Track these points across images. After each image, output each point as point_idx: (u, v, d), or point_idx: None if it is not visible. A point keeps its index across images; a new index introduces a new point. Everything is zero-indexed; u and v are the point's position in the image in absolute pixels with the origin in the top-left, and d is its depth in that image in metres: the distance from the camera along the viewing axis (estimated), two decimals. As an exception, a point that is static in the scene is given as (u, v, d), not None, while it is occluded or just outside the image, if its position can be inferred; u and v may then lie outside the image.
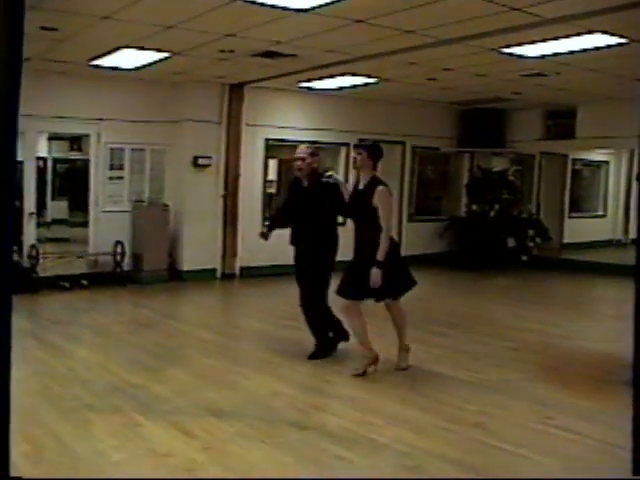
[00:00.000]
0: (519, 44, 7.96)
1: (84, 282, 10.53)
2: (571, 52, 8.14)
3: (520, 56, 8.52)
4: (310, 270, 6.62)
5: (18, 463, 4.10)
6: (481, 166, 14.50)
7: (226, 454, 4.37)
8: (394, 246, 6.16)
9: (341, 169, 13.22)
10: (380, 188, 5.87)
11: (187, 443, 4.50)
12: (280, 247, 12.10)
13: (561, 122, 13.71)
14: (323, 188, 6.44)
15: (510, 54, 8.43)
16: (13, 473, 3.97)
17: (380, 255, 5.76)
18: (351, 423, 4.95)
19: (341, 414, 5.17)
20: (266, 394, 5.57)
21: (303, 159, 6.52)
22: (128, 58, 9.09)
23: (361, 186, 6.05)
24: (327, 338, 6.72)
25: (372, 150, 6.03)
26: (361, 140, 7.38)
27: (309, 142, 12.54)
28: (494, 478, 4.02)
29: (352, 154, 6.30)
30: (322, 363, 6.58)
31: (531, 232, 14.01)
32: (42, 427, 4.77)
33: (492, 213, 13.97)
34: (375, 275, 5.75)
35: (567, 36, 7.48)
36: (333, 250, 6.62)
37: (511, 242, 14.08)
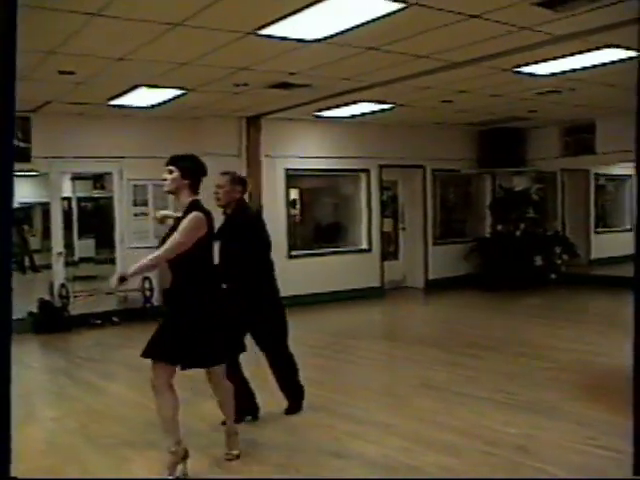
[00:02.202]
0: (532, 63, 7.97)
1: (115, 319, 10.60)
2: (584, 68, 8.15)
3: (534, 74, 8.54)
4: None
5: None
6: (503, 186, 14.45)
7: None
8: (223, 294, 4.84)
9: (363, 195, 13.23)
10: (193, 214, 4.42)
11: (223, 474, 4.49)
12: (308, 275, 12.30)
13: (580, 137, 13.65)
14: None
15: (524, 73, 8.45)
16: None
17: (132, 269, 4.34)
18: (389, 450, 4.91)
19: (378, 441, 5.12)
20: (302, 424, 5.53)
21: (220, 186, 5.55)
22: (145, 96, 9.21)
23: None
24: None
25: (187, 167, 4.59)
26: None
27: (326, 170, 12.78)
28: (491, 478, 3.95)
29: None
30: (355, 391, 6.55)
31: (558, 249, 13.90)
32: (82, 465, 4.80)
33: (518, 232, 13.89)
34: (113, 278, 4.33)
35: (579, 52, 7.49)
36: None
37: (538, 261, 13.96)
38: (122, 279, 4.29)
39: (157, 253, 4.35)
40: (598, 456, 4.68)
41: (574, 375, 6.93)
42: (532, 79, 8.81)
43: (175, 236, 4.36)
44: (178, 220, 4.52)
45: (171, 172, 4.54)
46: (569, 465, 4.53)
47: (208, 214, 4.50)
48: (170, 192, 4.61)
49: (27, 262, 15.97)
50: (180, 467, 4.47)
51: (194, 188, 4.56)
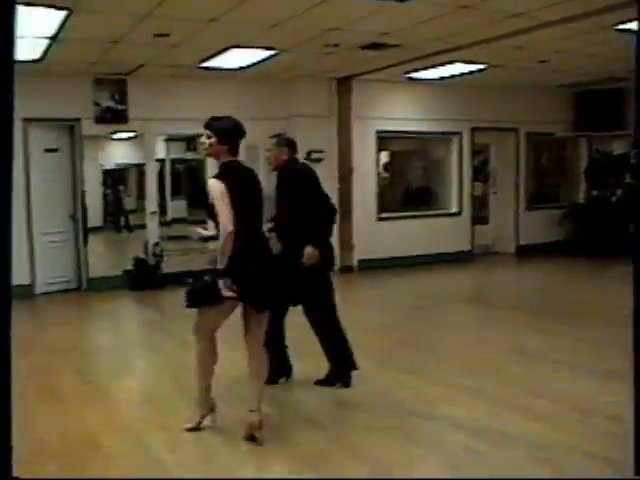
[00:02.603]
0: (631, 20, 7.60)
1: (207, 277, 10.76)
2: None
3: (634, 32, 8.15)
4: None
5: (158, 450, 4.27)
6: (600, 150, 13.98)
7: (356, 445, 4.39)
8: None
9: (454, 158, 13.05)
10: (208, 184, 4.44)
11: (317, 434, 4.56)
12: (397, 238, 12.26)
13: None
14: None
15: (624, 30, 8.07)
16: (155, 459, 4.16)
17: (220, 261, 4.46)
18: (479, 414, 4.87)
19: (469, 405, 5.09)
20: (392, 386, 5.55)
21: (269, 150, 5.67)
22: (236, 58, 9.27)
23: None
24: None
25: (223, 130, 4.53)
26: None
27: (417, 132, 12.64)
28: (488, 477, 3.86)
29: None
30: (445, 355, 6.53)
31: (656, 216, 13.38)
32: (176, 416, 4.92)
33: (614, 198, 13.45)
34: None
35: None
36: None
37: (633, 228, 13.48)
38: (204, 239, 4.55)
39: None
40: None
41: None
42: (633, 37, 8.43)
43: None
44: None
45: (209, 137, 4.50)
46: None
47: (231, 173, 4.44)
48: (209, 156, 4.64)
49: (122, 222, 16.48)
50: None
51: (232, 151, 4.53)
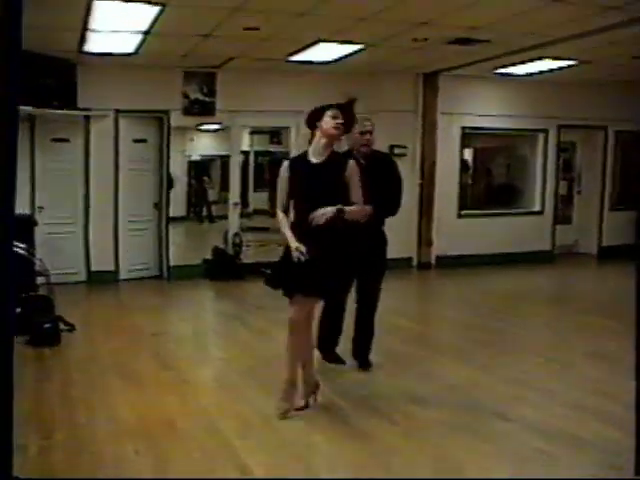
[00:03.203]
0: None
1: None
2: None
3: None
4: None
5: (228, 436, 4.39)
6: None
7: (426, 441, 4.40)
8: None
9: (539, 156, 12.83)
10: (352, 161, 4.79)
11: (388, 429, 4.59)
12: (477, 236, 12.15)
13: None
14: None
15: None
16: (226, 445, 4.27)
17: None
18: (552, 417, 4.83)
19: (542, 406, 5.04)
20: (465, 383, 5.54)
21: (371, 132, 5.68)
22: (324, 52, 9.32)
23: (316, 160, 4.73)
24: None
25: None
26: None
27: (503, 129, 12.46)
28: (486, 478, 3.76)
29: (338, 121, 4.68)
30: (521, 355, 6.46)
31: None
32: (249, 404, 5.05)
33: None
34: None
35: None
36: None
37: None
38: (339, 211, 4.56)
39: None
40: None
41: None
42: None
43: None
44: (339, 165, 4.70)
45: (338, 119, 4.70)
46: None
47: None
48: (339, 137, 4.82)
49: (205, 212, 16.84)
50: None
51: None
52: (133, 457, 4.10)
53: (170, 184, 13.56)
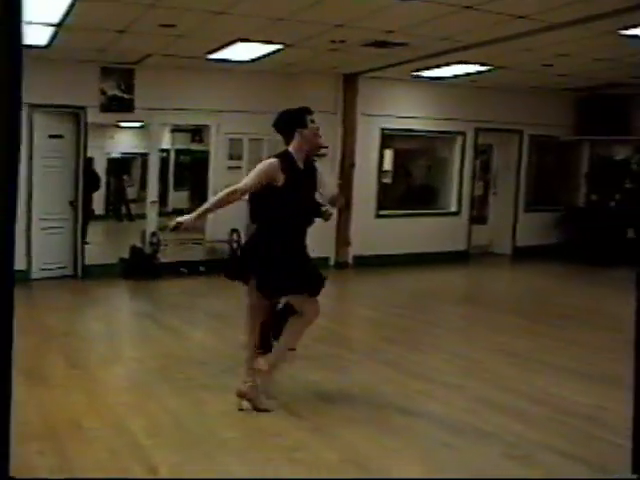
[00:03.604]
0: (637, 25, 7.62)
1: (202, 268, 10.88)
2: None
3: (640, 37, 8.18)
4: None
5: (138, 435, 4.35)
6: (601, 155, 14.00)
7: (334, 436, 4.45)
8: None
9: (456, 158, 13.10)
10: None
11: (296, 425, 4.62)
12: (394, 236, 12.31)
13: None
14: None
15: (630, 36, 8.09)
16: (134, 444, 4.24)
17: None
18: (458, 411, 4.95)
19: (449, 401, 5.15)
20: (375, 380, 5.62)
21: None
22: (243, 51, 9.29)
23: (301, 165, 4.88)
24: None
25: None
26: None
27: (422, 131, 12.66)
28: (488, 477, 3.90)
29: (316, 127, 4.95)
30: (430, 352, 6.59)
31: (654, 223, 13.40)
32: (158, 403, 5.02)
33: (612, 203, 13.49)
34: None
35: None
36: None
37: (631, 233, 13.51)
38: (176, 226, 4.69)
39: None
40: (672, 433, 4.57)
41: (658, 350, 6.75)
42: (638, 42, 8.44)
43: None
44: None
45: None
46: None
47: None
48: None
49: (124, 211, 16.59)
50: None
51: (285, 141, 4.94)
52: (37, 458, 4.02)
53: (96, 183, 13.36)
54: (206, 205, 4.74)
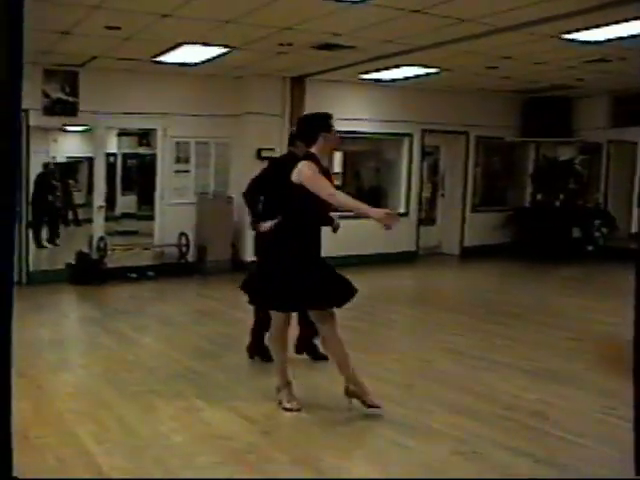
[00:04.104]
0: (580, 29, 7.81)
1: (150, 273, 10.79)
2: (634, 36, 7.94)
3: (582, 42, 8.36)
4: None
5: (85, 441, 4.30)
6: (546, 155, 14.28)
7: (285, 438, 4.47)
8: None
9: (404, 160, 13.21)
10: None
11: (247, 427, 4.63)
12: (343, 238, 12.15)
13: (630, 108, 13.34)
14: None
15: (571, 40, 8.28)
16: (82, 451, 4.18)
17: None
18: (409, 410, 4.99)
19: (400, 402, 5.19)
20: (325, 382, 5.63)
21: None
22: (190, 54, 9.26)
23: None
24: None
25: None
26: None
27: (369, 133, 12.73)
28: (492, 478, 3.97)
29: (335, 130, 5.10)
30: (381, 353, 6.64)
31: (597, 222, 13.72)
32: (107, 409, 4.96)
33: (557, 203, 13.77)
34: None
35: (630, 19, 7.31)
36: None
37: (576, 232, 13.83)
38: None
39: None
40: (615, 425, 4.69)
41: (599, 347, 6.92)
42: (580, 46, 8.62)
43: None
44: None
45: None
46: (584, 432, 4.56)
47: None
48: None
49: (71, 216, 16.33)
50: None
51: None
52: (-19, 468, 3.95)
53: (51, 189, 13.13)
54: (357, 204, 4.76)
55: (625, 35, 7.95)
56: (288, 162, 5.18)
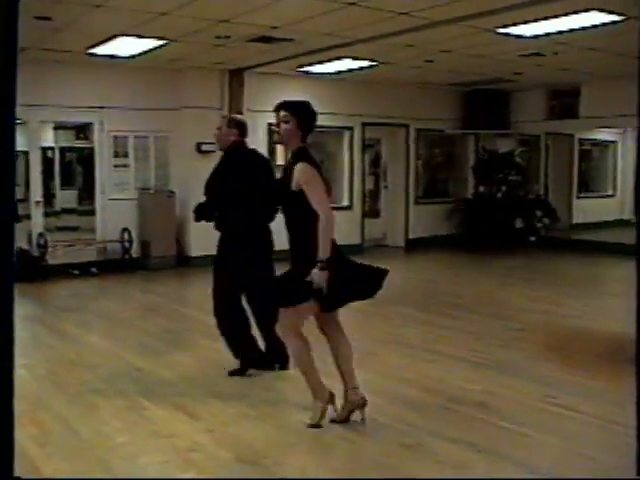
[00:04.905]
0: (515, 24, 7.95)
1: (93, 269, 10.63)
2: (568, 31, 8.13)
3: (516, 36, 8.53)
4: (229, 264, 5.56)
5: (25, 445, 4.20)
6: (487, 148, 14.48)
7: (229, 435, 4.43)
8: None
9: (346, 153, 13.24)
10: (301, 165, 4.26)
11: (191, 425, 4.58)
12: (284, 232, 12.27)
13: (565, 101, 13.64)
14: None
15: (506, 34, 8.43)
16: (21, 455, 4.07)
17: (321, 252, 4.20)
18: (354, 404, 5.00)
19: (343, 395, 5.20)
20: (270, 377, 5.61)
21: (219, 129, 5.64)
22: (125, 46, 9.14)
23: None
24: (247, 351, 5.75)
25: (303, 116, 4.41)
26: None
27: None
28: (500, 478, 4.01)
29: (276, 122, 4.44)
30: (322, 346, 6.64)
31: (539, 213, 13.99)
32: (49, 411, 4.86)
33: (499, 194, 13.99)
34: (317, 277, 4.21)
35: (563, 15, 7.48)
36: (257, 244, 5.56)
37: (519, 223, 14.07)
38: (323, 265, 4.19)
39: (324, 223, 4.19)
40: (556, 414, 4.78)
41: (542, 336, 7.04)
42: (515, 40, 8.79)
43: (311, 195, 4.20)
44: (287, 169, 4.36)
45: (286, 121, 4.30)
46: (526, 421, 4.63)
47: (312, 160, 4.31)
48: (279, 143, 4.48)
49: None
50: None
51: (305, 137, 4.38)
52: None
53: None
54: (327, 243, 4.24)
55: (554, 31, 8.13)
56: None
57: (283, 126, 4.30)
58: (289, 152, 4.41)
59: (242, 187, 5.44)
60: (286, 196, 4.35)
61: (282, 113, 4.31)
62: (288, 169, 4.35)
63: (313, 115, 4.43)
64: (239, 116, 6.36)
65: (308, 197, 4.19)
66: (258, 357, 5.66)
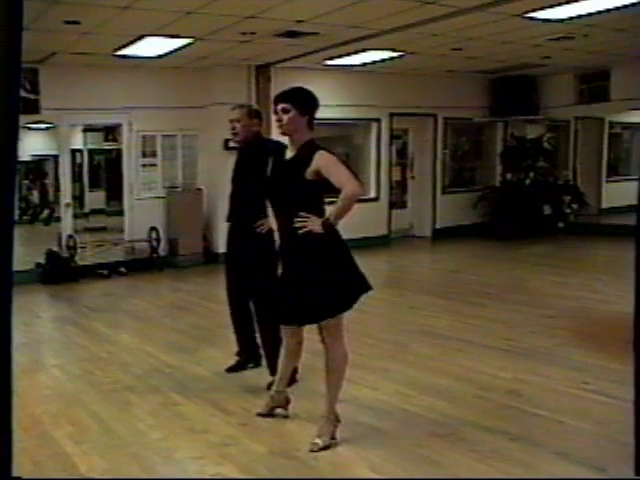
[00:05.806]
0: (542, 8, 7.83)
1: (122, 269, 10.72)
2: (597, 12, 8.00)
3: (544, 20, 8.40)
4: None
5: (63, 443, 4.26)
6: (515, 134, 14.34)
7: (262, 429, 4.45)
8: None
9: (373, 144, 13.21)
10: (320, 152, 4.02)
11: (224, 420, 4.61)
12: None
13: (595, 85, 13.45)
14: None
15: (533, 19, 8.31)
16: (59, 453, 4.15)
17: (334, 215, 4.14)
18: (385, 395, 5.01)
19: (375, 386, 5.21)
20: (302, 370, 5.61)
21: (238, 120, 5.24)
22: (152, 46, 9.18)
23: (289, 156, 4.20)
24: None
25: (304, 101, 4.14)
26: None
27: (337, 119, 12.68)
28: (503, 478, 3.99)
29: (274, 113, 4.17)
30: (356, 338, 6.64)
31: (567, 198, 13.84)
32: (85, 409, 4.92)
33: (527, 181, 13.87)
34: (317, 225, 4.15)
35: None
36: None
37: (547, 210, 13.94)
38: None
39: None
40: (590, 400, 4.76)
41: (573, 322, 6.99)
42: (543, 25, 8.66)
43: (338, 177, 3.97)
44: (294, 161, 4.12)
45: (286, 111, 4.05)
46: (559, 408, 4.61)
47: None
48: (286, 134, 4.11)
49: (45, 214, 16.11)
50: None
51: (310, 125, 4.13)
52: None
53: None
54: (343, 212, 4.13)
55: (584, 13, 8.01)
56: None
57: (285, 116, 4.04)
58: (295, 144, 4.13)
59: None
60: (296, 187, 4.12)
61: (280, 106, 4.08)
62: (295, 161, 4.11)
63: (311, 96, 4.16)
64: (255, 105, 6.13)
65: (333, 178, 3.95)
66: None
